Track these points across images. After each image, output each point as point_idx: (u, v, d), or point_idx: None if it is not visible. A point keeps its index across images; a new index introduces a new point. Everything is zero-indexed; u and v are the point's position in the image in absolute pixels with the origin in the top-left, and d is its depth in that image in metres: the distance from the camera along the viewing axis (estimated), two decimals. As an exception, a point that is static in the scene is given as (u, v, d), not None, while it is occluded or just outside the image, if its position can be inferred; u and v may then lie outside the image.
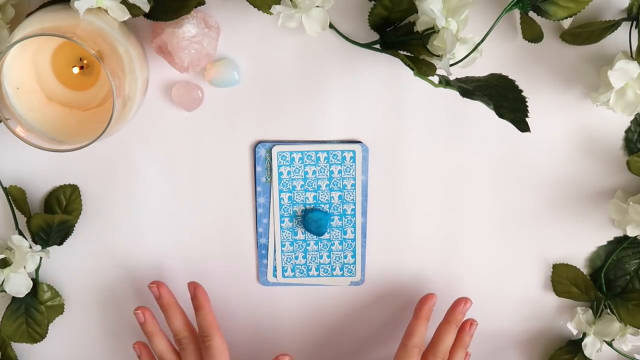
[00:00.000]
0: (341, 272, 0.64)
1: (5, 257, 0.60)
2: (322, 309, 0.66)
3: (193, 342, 0.61)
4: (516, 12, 0.56)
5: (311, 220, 0.62)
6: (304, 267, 0.64)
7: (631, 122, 0.60)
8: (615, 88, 0.54)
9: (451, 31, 0.48)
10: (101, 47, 0.48)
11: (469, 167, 0.61)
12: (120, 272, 0.64)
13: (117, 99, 0.47)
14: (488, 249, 0.64)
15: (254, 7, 0.51)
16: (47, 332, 0.63)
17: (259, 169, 0.61)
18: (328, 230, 0.63)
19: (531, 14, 0.54)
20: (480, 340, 0.66)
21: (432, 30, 0.50)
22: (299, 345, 0.67)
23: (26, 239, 0.60)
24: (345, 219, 0.63)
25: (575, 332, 0.66)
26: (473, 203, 0.62)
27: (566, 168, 0.61)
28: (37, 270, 0.63)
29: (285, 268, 0.64)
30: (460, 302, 0.62)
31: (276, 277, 0.64)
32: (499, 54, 0.57)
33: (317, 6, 0.52)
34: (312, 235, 0.63)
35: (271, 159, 0.61)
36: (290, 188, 0.62)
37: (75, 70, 0.54)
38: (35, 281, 0.63)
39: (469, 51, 0.51)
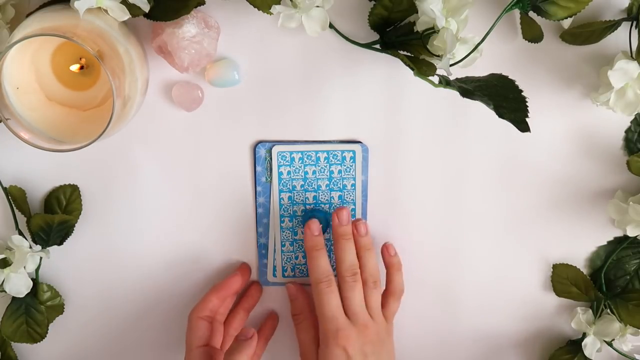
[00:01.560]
0: (341, 272, 0.64)
1: (5, 257, 0.60)
2: (322, 309, 0.66)
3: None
4: (516, 12, 0.56)
5: None
6: (304, 267, 0.64)
7: (631, 122, 0.60)
8: (615, 88, 0.54)
9: (451, 31, 0.48)
10: (101, 47, 0.48)
11: (469, 167, 0.61)
12: (120, 272, 0.64)
13: (117, 99, 0.47)
14: (488, 249, 0.64)
15: (254, 7, 0.51)
16: (47, 332, 0.63)
17: (259, 169, 0.61)
18: (328, 230, 0.63)
19: (531, 14, 0.54)
20: (480, 340, 0.66)
21: (432, 30, 0.50)
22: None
23: (26, 239, 0.60)
24: (345, 219, 0.63)
25: (575, 332, 0.66)
26: (473, 203, 0.62)
27: (566, 168, 0.61)
28: (37, 270, 0.63)
29: (285, 268, 0.64)
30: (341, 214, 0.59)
31: (276, 276, 0.64)
32: (499, 54, 0.57)
33: (317, 6, 0.52)
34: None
35: (271, 159, 0.61)
36: (290, 188, 0.62)
37: (74, 67, 0.54)
38: (35, 281, 0.63)
39: (469, 51, 0.51)
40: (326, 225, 0.62)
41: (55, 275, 0.64)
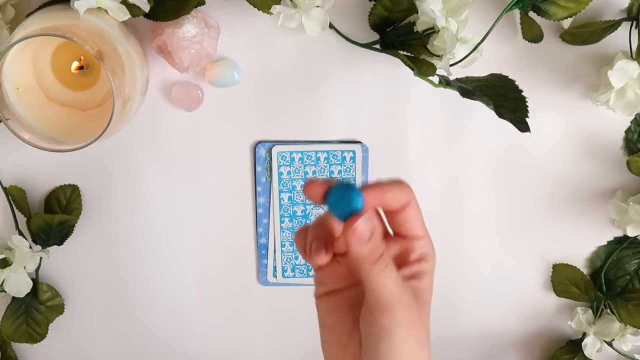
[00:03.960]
0: (341, 272, 0.64)
1: (5, 257, 0.60)
2: (322, 309, 0.66)
3: None
4: (516, 12, 0.56)
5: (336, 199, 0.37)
6: (304, 267, 0.64)
7: (631, 122, 0.60)
8: (615, 88, 0.54)
9: (451, 31, 0.48)
10: (101, 47, 0.48)
11: (469, 167, 0.61)
12: (120, 272, 0.64)
13: (117, 99, 0.47)
14: (488, 249, 0.64)
15: (254, 7, 0.51)
16: (47, 332, 0.63)
17: (259, 169, 0.61)
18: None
19: (531, 14, 0.54)
20: (480, 340, 0.66)
21: (432, 30, 0.50)
22: (298, 345, 0.67)
23: (26, 239, 0.60)
24: (345, 219, 0.62)
25: (575, 332, 0.66)
26: (473, 203, 0.62)
27: (566, 168, 0.61)
28: (37, 270, 0.63)
29: (285, 268, 0.64)
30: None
31: (276, 277, 0.64)
32: (499, 54, 0.57)
33: (317, 6, 0.52)
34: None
35: (271, 159, 0.61)
36: (290, 188, 0.62)
37: (75, 64, 0.54)
38: (35, 281, 0.63)
39: (469, 51, 0.51)
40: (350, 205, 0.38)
41: (55, 275, 0.64)
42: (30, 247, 0.61)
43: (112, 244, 0.63)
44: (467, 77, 0.50)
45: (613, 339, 0.62)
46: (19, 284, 0.60)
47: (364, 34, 0.56)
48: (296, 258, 0.64)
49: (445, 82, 0.49)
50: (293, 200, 0.62)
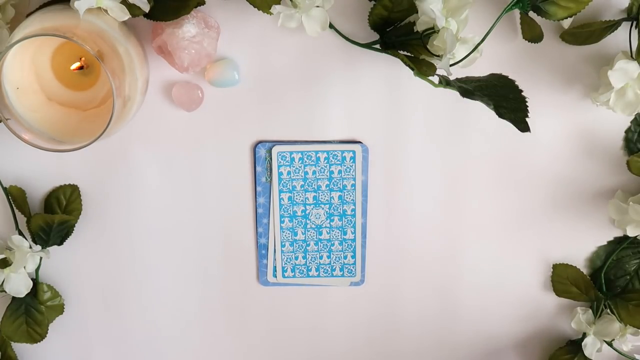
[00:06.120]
0: (341, 273, 0.64)
1: (5, 257, 0.60)
2: (322, 309, 0.66)
3: None
4: (516, 12, 0.56)
5: None
6: (304, 267, 0.64)
7: (631, 122, 0.60)
8: (615, 88, 0.54)
9: (451, 31, 0.48)
10: (101, 47, 0.48)
11: (469, 167, 0.61)
12: (120, 272, 0.64)
13: (117, 99, 0.47)
14: (488, 249, 0.64)
15: (254, 7, 0.51)
16: (47, 332, 0.63)
17: (259, 169, 0.61)
18: (328, 230, 0.63)
19: (531, 14, 0.54)
20: (480, 341, 0.66)
21: (432, 30, 0.50)
22: (298, 345, 0.67)
23: (26, 239, 0.60)
24: (345, 219, 0.63)
25: (575, 332, 0.66)
26: (473, 203, 0.62)
27: (566, 168, 0.61)
28: (37, 270, 0.63)
29: (285, 268, 0.64)
30: None
31: (276, 277, 0.64)
32: (499, 54, 0.57)
33: (317, 6, 0.52)
34: (312, 235, 0.63)
35: (271, 159, 0.61)
36: (290, 188, 0.62)
37: (74, 65, 0.54)
38: (35, 281, 0.63)
39: (469, 51, 0.51)
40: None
41: (55, 275, 0.64)
42: (30, 247, 0.61)
43: (112, 244, 0.63)
44: (467, 77, 0.50)
45: (613, 339, 0.62)
46: (18, 284, 0.60)
47: (364, 34, 0.56)
48: (296, 258, 0.64)
49: (445, 82, 0.49)
50: (293, 200, 0.62)
